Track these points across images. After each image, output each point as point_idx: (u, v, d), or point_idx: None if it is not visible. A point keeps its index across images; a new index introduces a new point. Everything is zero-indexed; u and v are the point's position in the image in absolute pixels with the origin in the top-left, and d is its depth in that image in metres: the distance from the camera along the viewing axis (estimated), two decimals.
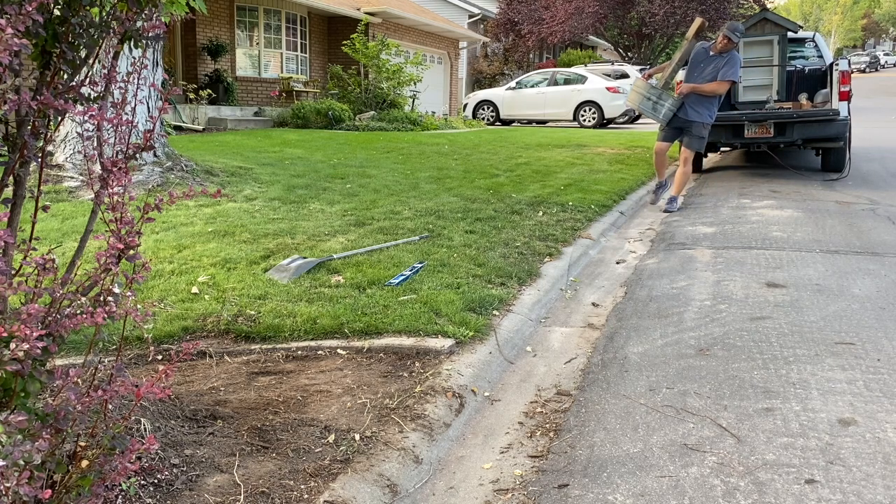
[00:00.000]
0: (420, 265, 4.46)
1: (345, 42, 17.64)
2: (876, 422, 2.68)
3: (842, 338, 3.56)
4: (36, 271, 1.67)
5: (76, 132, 6.67)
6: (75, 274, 1.92)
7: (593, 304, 4.44)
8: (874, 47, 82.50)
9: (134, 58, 2.07)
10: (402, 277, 4.19)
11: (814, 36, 10.82)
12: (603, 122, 20.74)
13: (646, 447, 2.58)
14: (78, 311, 1.66)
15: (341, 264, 4.47)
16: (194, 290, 3.94)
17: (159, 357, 3.14)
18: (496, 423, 2.87)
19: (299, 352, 3.29)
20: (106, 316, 1.65)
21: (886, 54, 66.42)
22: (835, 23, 79.80)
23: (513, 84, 22.56)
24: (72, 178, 6.70)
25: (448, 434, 2.72)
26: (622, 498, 2.27)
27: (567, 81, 21.43)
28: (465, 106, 23.15)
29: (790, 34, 9.82)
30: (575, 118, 21.03)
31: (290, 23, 18.21)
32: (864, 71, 51.96)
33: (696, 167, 10.07)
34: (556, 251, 5.24)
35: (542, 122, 21.88)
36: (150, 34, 1.97)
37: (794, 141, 9.01)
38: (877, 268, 4.87)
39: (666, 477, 2.37)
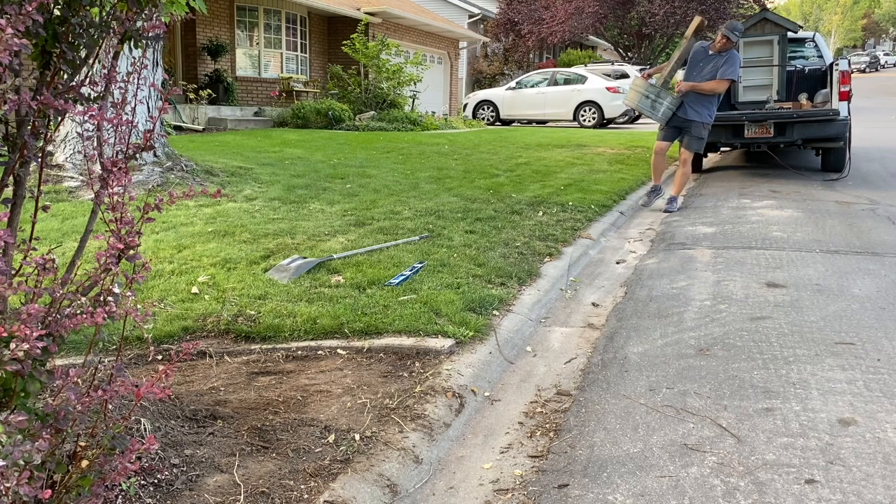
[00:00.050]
0: (420, 265, 4.46)
1: (345, 42, 17.64)
2: (876, 422, 2.68)
3: (842, 338, 3.56)
4: (36, 271, 1.67)
5: (76, 132, 6.68)
6: (75, 274, 1.92)
7: (593, 304, 4.44)
8: (874, 47, 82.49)
9: (134, 58, 2.07)
10: (402, 277, 4.19)
11: (814, 36, 10.83)
12: (603, 122, 20.74)
13: (646, 447, 2.58)
14: (78, 311, 1.66)
15: (341, 264, 4.47)
16: (194, 290, 3.94)
17: (159, 357, 3.14)
18: (496, 423, 2.87)
19: (299, 352, 3.29)
20: (106, 316, 1.65)
21: (886, 54, 66.43)
22: (835, 23, 79.81)
23: (513, 84, 22.56)
24: (72, 178, 6.70)
25: (448, 434, 2.72)
26: (622, 498, 2.27)
27: (567, 81, 21.44)
28: (465, 106, 23.15)
29: (790, 34, 9.82)
30: (575, 118, 21.03)
31: (290, 23, 18.21)
32: (864, 71, 51.97)
33: (696, 167, 10.08)
34: (556, 251, 5.24)
35: (542, 122, 21.88)
36: (150, 34, 1.97)
37: (794, 141, 9.01)
38: (877, 268, 4.88)
39: (666, 477, 2.37)
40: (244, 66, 17.34)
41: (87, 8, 1.84)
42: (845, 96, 8.78)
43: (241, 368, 3.11)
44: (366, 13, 18.79)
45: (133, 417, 2.36)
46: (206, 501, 2.10)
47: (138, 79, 1.92)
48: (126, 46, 2.02)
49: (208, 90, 14.92)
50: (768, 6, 31.91)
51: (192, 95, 14.30)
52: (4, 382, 1.58)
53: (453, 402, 2.90)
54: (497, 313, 3.86)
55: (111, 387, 1.69)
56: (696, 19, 7.75)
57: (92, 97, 1.92)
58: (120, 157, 1.89)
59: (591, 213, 6.70)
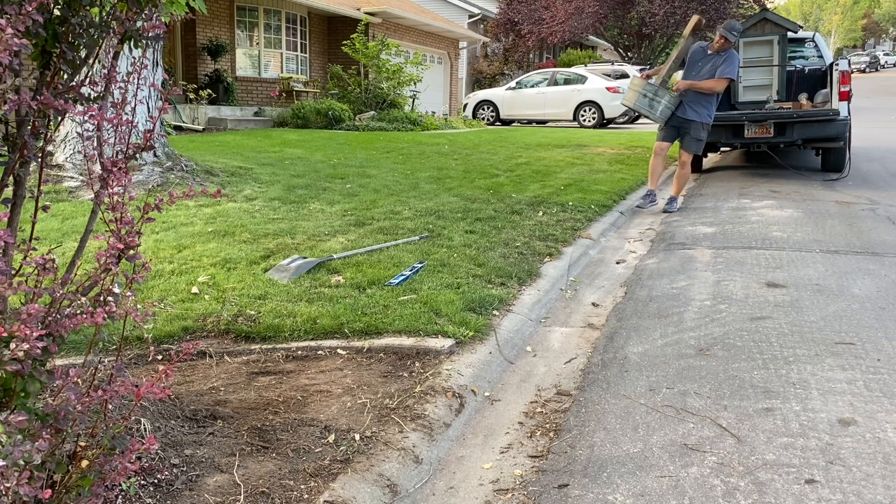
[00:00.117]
0: (420, 265, 4.46)
1: (345, 42, 17.64)
2: (876, 422, 2.68)
3: (842, 338, 3.56)
4: (36, 271, 1.67)
5: (76, 132, 6.68)
6: (75, 274, 1.92)
7: (593, 304, 4.44)
8: (874, 47, 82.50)
9: (134, 58, 2.07)
10: (402, 277, 4.19)
11: (814, 36, 10.82)
12: (603, 122, 20.75)
13: (646, 447, 2.58)
14: (78, 311, 1.66)
15: (341, 264, 4.47)
16: (194, 290, 3.94)
17: (159, 357, 3.14)
18: (496, 423, 2.87)
19: (299, 352, 3.29)
20: (106, 316, 1.65)
21: (886, 54, 66.43)
22: (835, 23, 79.81)
23: (513, 84, 22.56)
24: (72, 178, 6.70)
25: (448, 434, 2.72)
26: (622, 498, 2.27)
27: (567, 81, 21.44)
28: (465, 106, 23.15)
29: (790, 34, 9.82)
30: (575, 118, 21.03)
31: (290, 23, 18.21)
32: (864, 71, 51.96)
33: (696, 167, 10.08)
34: (556, 251, 5.24)
35: (542, 122, 21.88)
36: (150, 34, 1.97)
37: (794, 141, 9.01)
38: (877, 268, 4.88)
39: (666, 477, 2.37)
40: (244, 66, 17.34)
41: (87, 8, 1.84)
42: (845, 96, 8.78)
43: (241, 368, 3.11)
44: (366, 13, 18.79)
45: (133, 417, 2.36)
46: (206, 501, 2.10)
47: (138, 79, 1.92)
48: (126, 46, 2.02)
49: (208, 90, 14.93)
50: (768, 6, 31.91)
51: (192, 95, 14.30)
52: (4, 382, 1.58)
53: (453, 402, 2.90)
54: (497, 313, 3.86)
55: (111, 387, 1.69)
56: (694, 18, 7.74)
57: (92, 97, 1.92)
58: (120, 157, 1.89)
59: (591, 213, 6.70)
